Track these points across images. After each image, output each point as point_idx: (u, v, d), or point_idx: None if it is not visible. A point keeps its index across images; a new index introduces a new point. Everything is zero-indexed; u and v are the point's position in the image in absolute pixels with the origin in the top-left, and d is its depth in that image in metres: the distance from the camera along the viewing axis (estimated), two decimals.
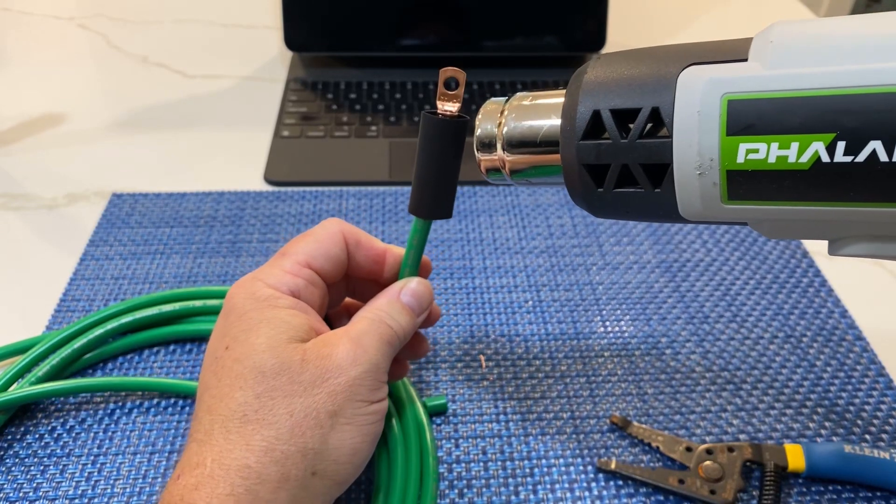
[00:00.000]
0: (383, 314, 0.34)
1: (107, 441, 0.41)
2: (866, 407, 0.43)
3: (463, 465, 0.40)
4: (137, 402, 0.43)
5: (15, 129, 0.66)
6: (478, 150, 0.34)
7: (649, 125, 0.27)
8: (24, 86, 0.73)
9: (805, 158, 0.23)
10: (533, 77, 0.74)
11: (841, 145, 0.22)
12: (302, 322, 0.32)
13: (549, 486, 0.39)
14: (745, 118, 0.24)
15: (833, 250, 0.26)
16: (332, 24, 0.73)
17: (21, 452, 0.40)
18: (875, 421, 0.42)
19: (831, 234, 0.26)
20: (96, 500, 0.38)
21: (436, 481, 0.38)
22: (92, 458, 0.40)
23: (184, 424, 0.42)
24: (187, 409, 0.43)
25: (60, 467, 0.39)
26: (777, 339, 0.47)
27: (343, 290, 0.40)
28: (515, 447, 0.41)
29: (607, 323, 0.48)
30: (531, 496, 0.39)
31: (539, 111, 0.32)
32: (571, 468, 0.40)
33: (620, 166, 0.28)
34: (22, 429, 0.41)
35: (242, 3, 0.90)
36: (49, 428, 0.41)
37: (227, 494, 0.28)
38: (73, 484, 0.39)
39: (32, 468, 0.39)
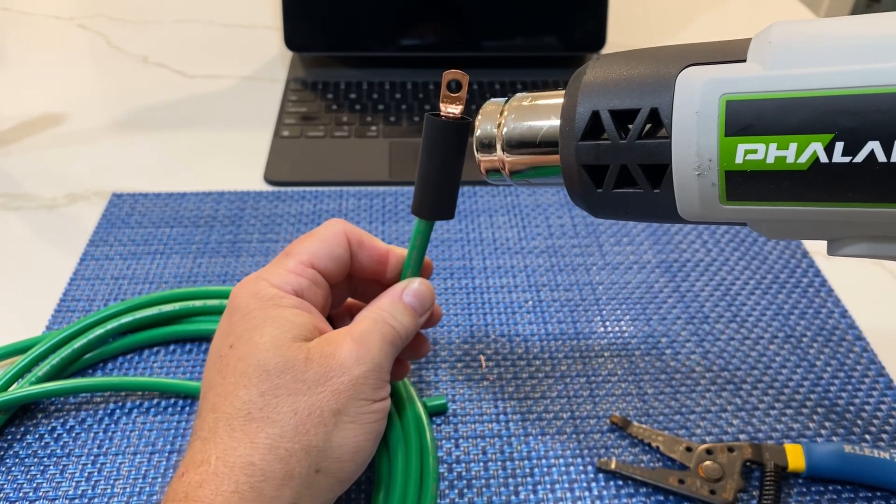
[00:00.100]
0: (386, 314, 0.34)
1: (107, 441, 0.41)
2: (866, 407, 0.43)
3: (463, 465, 0.40)
4: (137, 402, 0.43)
5: (15, 129, 0.66)
6: (477, 150, 0.34)
7: (648, 126, 0.27)
8: (24, 86, 0.73)
9: (803, 159, 0.23)
10: (533, 77, 0.74)
11: (839, 146, 0.22)
12: (306, 321, 0.33)
13: (549, 486, 0.39)
14: (744, 119, 0.24)
15: (832, 250, 0.26)
16: (332, 24, 0.73)
17: (21, 452, 0.40)
18: (875, 421, 0.42)
19: (830, 234, 0.26)
20: (96, 500, 0.38)
21: (436, 480, 0.38)
22: (92, 458, 0.40)
23: (184, 424, 0.42)
24: (187, 409, 0.43)
25: (60, 467, 0.39)
26: (777, 339, 0.47)
27: (346, 291, 0.40)
28: (515, 447, 0.41)
29: (607, 323, 0.49)
30: (531, 496, 0.39)
31: (538, 112, 0.32)
32: (571, 468, 0.40)
33: (619, 167, 0.28)
34: (22, 429, 0.41)
35: (242, 3, 0.90)
36: (49, 428, 0.41)
37: (232, 492, 0.28)
38: (73, 484, 0.39)
39: (32, 468, 0.39)
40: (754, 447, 0.39)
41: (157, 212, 0.57)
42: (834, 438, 0.42)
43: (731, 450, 0.39)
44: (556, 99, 0.31)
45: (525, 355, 0.46)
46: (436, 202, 0.36)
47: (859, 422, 0.42)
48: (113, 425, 0.42)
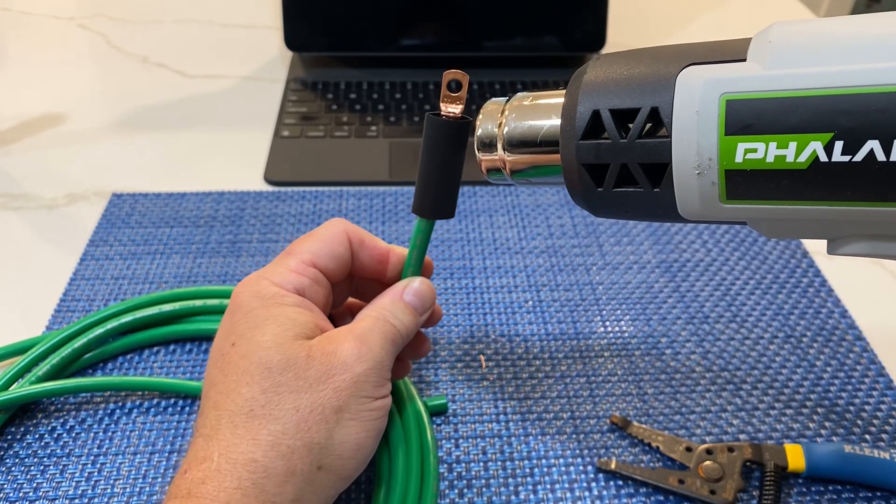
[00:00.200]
0: (387, 313, 0.35)
1: (107, 441, 0.41)
2: (866, 407, 0.43)
3: (463, 465, 0.40)
4: (137, 402, 0.43)
5: (15, 129, 0.66)
6: (478, 149, 0.34)
7: (648, 125, 0.27)
8: (24, 86, 0.73)
9: (803, 158, 0.23)
10: (533, 77, 0.74)
11: (839, 145, 0.22)
12: (307, 319, 0.33)
13: (549, 486, 0.39)
14: (744, 118, 0.24)
15: (832, 249, 0.27)
16: (332, 24, 0.73)
17: (21, 452, 0.40)
18: (875, 421, 0.42)
19: (830, 233, 0.26)
20: (96, 500, 0.38)
21: (436, 479, 0.38)
22: (92, 458, 0.40)
23: (184, 424, 0.42)
24: (187, 409, 0.43)
25: (60, 467, 0.39)
26: (777, 339, 0.47)
27: (347, 290, 0.40)
28: (515, 447, 0.41)
29: (607, 323, 0.49)
30: (531, 496, 0.39)
31: (539, 111, 0.32)
32: (571, 468, 0.40)
33: (620, 166, 0.28)
34: (22, 429, 0.41)
35: (242, 3, 0.90)
36: (49, 428, 0.41)
37: (234, 488, 0.28)
38: (73, 484, 0.39)
39: (32, 468, 0.39)
40: (754, 447, 0.39)
41: (157, 212, 0.57)
42: (834, 438, 0.42)
43: (731, 450, 0.39)
44: (556, 98, 0.31)
45: (525, 355, 0.46)
46: (436, 201, 0.36)
47: (859, 422, 0.42)
48: (113, 425, 0.42)
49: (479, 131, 0.34)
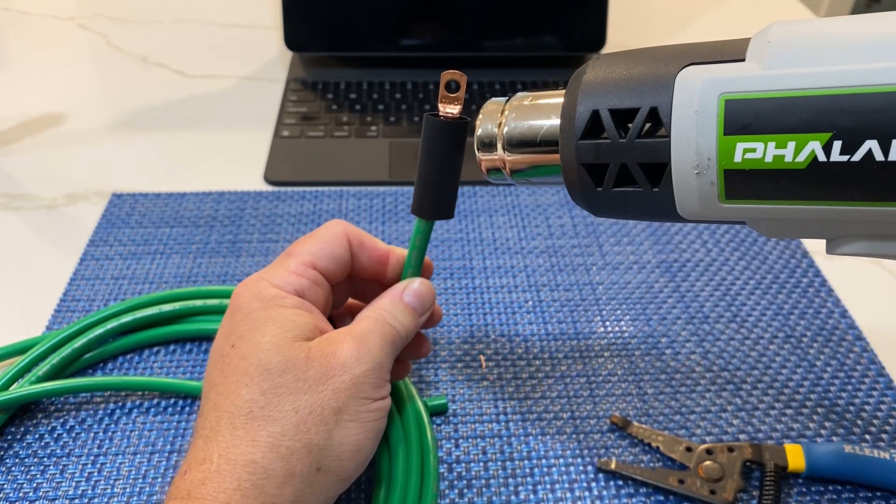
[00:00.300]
0: (386, 314, 0.35)
1: (107, 441, 0.41)
2: (866, 407, 0.43)
3: (463, 465, 0.40)
4: (137, 402, 0.43)
5: (15, 129, 0.66)
6: (478, 149, 0.34)
7: (648, 125, 0.27)
8: (24, 86, 0.73)
9: (801, 158, 0.23)
10: (533, 77, 0.74)
11: (837, 145, 0.22)
12: (307, 321, 0.33)
13: (549, 486, 0.39)
14: (743, 118, 0.24)
15: (830, 249, 0.27)
16: (332, 24, 0.73)
17: (21, 452, 0.40)
18: (875, 421, 0.42)
19: (828, 232, 0.26)
20: (96, 500, 0.38)
21: (436, 479, 0.38)
22: (92, 458, 0.40)
23: (184, 424, 0.42)
24: (187, 409, 0.43)
25: (60, 467, 0.39)
26: (777, 339, 0.47)
27: (346, 291, 0.40)
28: (515, 447, 0.41)
29: (607, 323, 0.48)
30: (531, 496, 0.39)
31: (539, 111, 0.32)
32: (571, 468, 0.40)
33: (619, 166, 0.28)
34: (22, 429, 0.41)
35: (242, 3, 0.90)
36: (49, 428, 0.41)
37: (234, 489, 0.28)
38: (73, 484, 0.39)
39: (32, 468, 0.39)
40: (754, 447, 0.39)
41: (157, 212, 0.57)
42: (834, 438, 0.42)
43: (731, 450, 0.39)
44: (556, 98, 0.31)
45: (525, 355, 0.46)
46: (435, 202, 0.36)
47: (859, 422, 0.42)
48: (113, 425, 0.42)
49: (478, 131, 0.34)
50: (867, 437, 0.42)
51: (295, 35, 0.74)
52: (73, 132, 0.66)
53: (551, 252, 0.54)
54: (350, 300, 0.41)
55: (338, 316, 0.41)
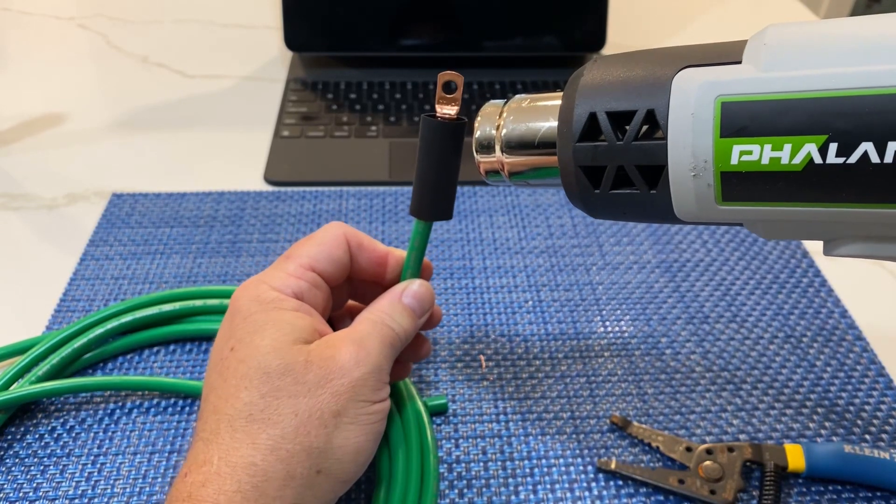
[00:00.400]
0: (385, 316, 0.35)
1: (107, 441, 0.41)
2: (866, 407, 0.43)
3: (463, 465, 0.40)
4: (137, 402, 0.43)
5: (15, 129, 0.66)
6: (477, 152, 0.34)
7: (645, 127, 0.27)
8: (24, 86, 0.73)
9: (798, 160, 0.23)
10: (533, 77, 0.74)
11: (833, 147, 0.22)
12: (306, 324, 0.33)
13: (549, 486, 0.39)
14: (739, 120, 0.24)
15: (828, 250, 0.27)
16: (332, 24, 0.73)
17: (21, 452, 0.40)
18: (875, 421, 0.42)
19: (825, 234, 0.26)
20: (96, 500, 0.38)
21: (436, 479, 0.38)
22: (92, 458, 0.40)
23: (184, 424, 0.42)
24: (187, 409, 0.43)
25: (60, 467, 0.40)
26: (777, 339, 0.47)
27: (346, 293, 0.40)
28: (515, 447, 0.41)
29: (607, 323, 0.49)
30: (531, 496, 0.39)
31: (537, 113, 0.32)
32: (571, 468, 0.40)
33: (616, 168, 0.28)
34: (22, 429, 0.41)
35: (242, 3, 0.90)
36: (49, 428, 0.41)
37: (235, 491, 0.28)
38: (73, 484, 0.39)
39: (32, 468, 0.39)
40: (754, 447, 0.39)
41: (157, 212, 0.57)
42: (834, 438, 0.42)
43: (731, 450, 0.39)
44: (553, 100, 0.31)
45: (525, 355, 0.46)
46: (434, 203, 0.36)
47: (859, 422, 0.42)
48: (113, 425, 0.42)
49: (477, 133, 0.34)
50: (867, 437, 0.42)
51: (295, 35, 0.74)
52: (73, 132, 0.66)
53: (551, 252, 0.54)
54: (349, 302, 0.41)
55: (337, 318, 0.41)
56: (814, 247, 0.55)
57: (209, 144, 0.65)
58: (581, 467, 0.40)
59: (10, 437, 0.41)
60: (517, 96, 0.33)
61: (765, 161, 0.24)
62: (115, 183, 0.60)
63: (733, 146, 0.24)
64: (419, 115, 0.68)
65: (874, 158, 0.22)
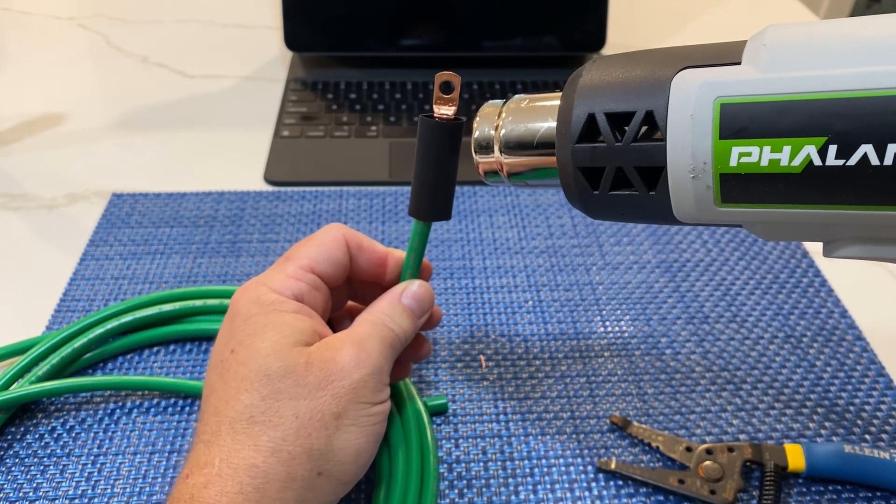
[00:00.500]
0: (385, 317, 0.35)
1: (107, 441, 0.41)
2: (866, 407, 0.43)
3: (463, 465, 0.40)
4: (137, 402, 0.43)
5: (15, 129, 0.66)
6: (476, 152, 0.34)
7: (644, 128, 0.27)
8: (24, 86, 0.73)
9: (797, 162, 0.23)
10: (533, 77, 0.74)
11: (832, 149, 0.22)
12: (306, 326, 0.33)
13: (549, 486, 0.39)
14: (738, 122, 0.24)
15: (827, 252, 0.26)
16: (332, 24, 0.73)
17: (21, 452, 0.40)
18: (875, 421, 0.42)
19: (824, 236, 0.26)
20: (96, 500, 0.38)
21: (436, 479, 0.38)
22: (92, 458, 0.40)
23: (184, 424, 0.42)
24: (187, 409, 0.43)
25: (60, 467, 0.40)
26: (777, 339, 0.47)
27: (345, 294, 0.40)
28: (515, 447, 0.41)
29: (607, 323, 0.48)
30: (531, 496, 0.39)
31: (536, 114, 0.32)
32: (571, 468, 0.40)
33: (615, 169, 0.28)
34: (22, 429, 0.41)
35: (242, 3, 0.90)
36: (49, 428, 0.41)
37: (236, 493, 0.28)
38: (73, 484, 0.39)
39: (32, 468, 0.39)
40: (754, 447, 0.39)
41: (157, 212, 0.57)
42: (834, 438, 0.42)
43: (731, 450, 0.39)
44: (552, 101, 0.31)
45: (525, 355, 0.46)
46: (432, 203, 0.36)
47: (859, 422, 0.42)
48: (113, 425, 0.42)
49: (476, 134, 0.34)
50: (867, 437, 0.42)
51: (295, 35, 0.74)
52: (73, 132, 0.66)
53: (551, 252, 0.54)
54: (349, 303, 0.41)
55: (337, 319, 0.41)
56: (814, 247, 0.55)
57: (209, 144, 0.65)
58: (581, 467, 0.40)
59: (10, 437, 0.41)
60: (516, 97, 0.33)
61: (764, 163, 0.24)
62: (115, 183, 0.60)
63: (732, 148, 0.24)
64: (419, 115, 0.68)
65: (874, 160, 0.22)
